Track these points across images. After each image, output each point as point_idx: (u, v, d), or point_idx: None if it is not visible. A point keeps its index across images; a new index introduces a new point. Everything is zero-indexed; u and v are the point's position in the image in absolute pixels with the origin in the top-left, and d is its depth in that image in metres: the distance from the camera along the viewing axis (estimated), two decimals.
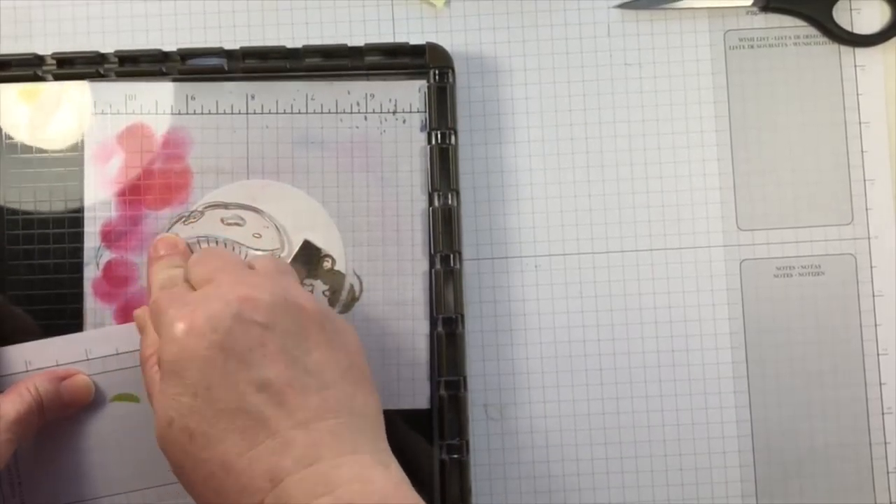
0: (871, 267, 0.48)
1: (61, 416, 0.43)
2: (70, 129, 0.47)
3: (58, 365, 0.44)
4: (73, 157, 0.47)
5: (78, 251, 0.46)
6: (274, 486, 0.33)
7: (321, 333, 0.37)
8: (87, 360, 0.44)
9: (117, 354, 0.45)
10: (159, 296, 0.39)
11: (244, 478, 0.34)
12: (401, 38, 0.49)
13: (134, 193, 0.47)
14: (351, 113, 0.47)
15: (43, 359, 0.44)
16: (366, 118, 0.47)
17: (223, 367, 0.35)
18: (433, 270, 0.46)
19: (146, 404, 0.44)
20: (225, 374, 0.35)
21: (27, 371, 0.44)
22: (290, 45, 0.47)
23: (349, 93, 0.47)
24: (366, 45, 0.47)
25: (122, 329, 0.45)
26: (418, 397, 0.46)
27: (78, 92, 0.47)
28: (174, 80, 0.47)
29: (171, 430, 0.35)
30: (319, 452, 0.34)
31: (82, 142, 0.47)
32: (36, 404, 0.42)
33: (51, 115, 0.47)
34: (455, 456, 0.45)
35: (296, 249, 0.47)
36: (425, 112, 0.47)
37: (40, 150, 0.47)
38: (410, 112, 0.47)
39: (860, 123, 0.48)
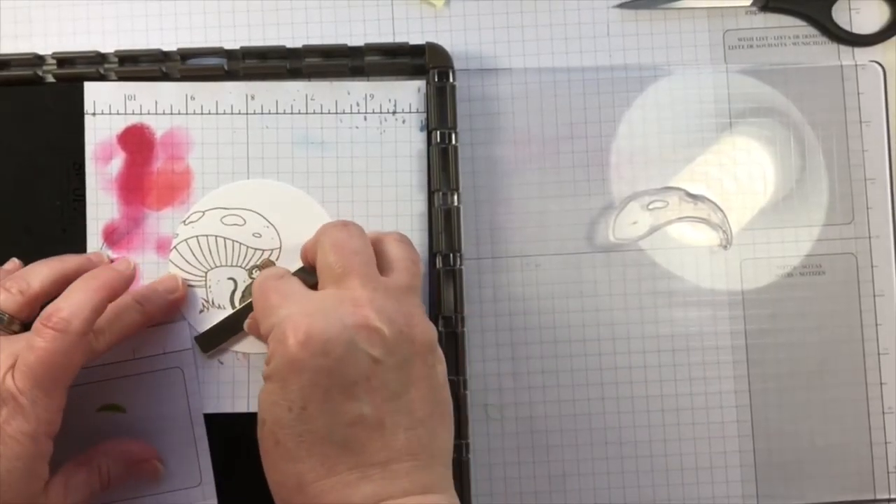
0: (872, 266, 0.48)
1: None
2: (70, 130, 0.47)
3: None
4: (74, 158, 0.47)
5: (81, 252, 0.46)
6: None
7: (423, 368, 0.37)
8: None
9: (103, 365, 0.45)
10: (266, 285, 0.39)
11: (312, 502, 0.35)
12: (401, 38, 0.49)
13: (135, 194, 0.47)
14: (351, 113, 0.47)
15: None
16: (365, 118, 0.47)
17: (324, 392, 0.35)
18: (433, 270, 0.46)
19: (132, 414, 0.45)
20: (324, 400, 0.35)
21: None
22: (290, 45, 0.47)
23: (349, 93, 0.47)
24: (366, 45, 0.47)
25: None
26: None
27: (78, 92, 0.47)
28: (174, 80, 0.47)
29: (262, 430, 0.36)
30: (389, 492, 0.34)
31: (83, 142, 0.47)
32: (101, 487, 0.42)
33: (51, 116, 0.47)
34: (455, 456, 0.44)
35: (293, 249, 0.47)
36: (425, 112, 0.47)
37: (42, 151, 0.47)
38: (410, 112, 0.47)
39: (860, 123, 0.48)
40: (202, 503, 0.45)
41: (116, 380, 0.45)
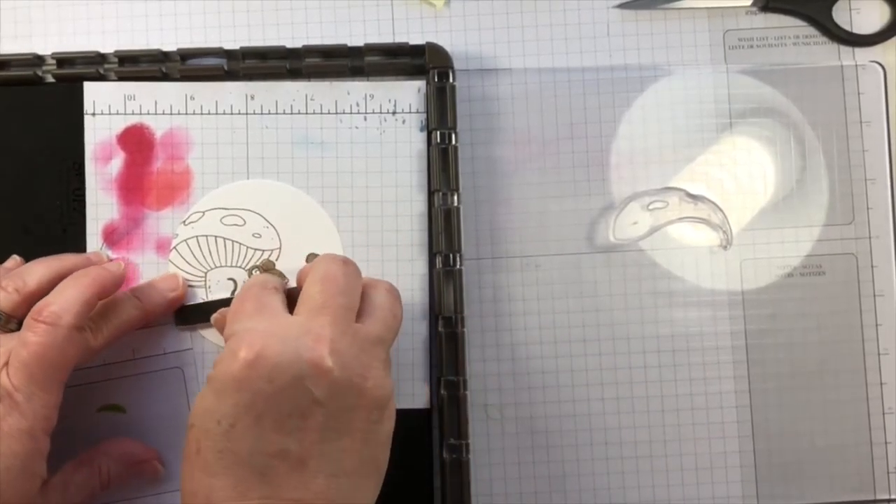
0: (872, 266, 0.48)
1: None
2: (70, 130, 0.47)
3: None
4: (74, 158, 0.47)
5: (81, 252, 0.46)
6: None
7: (364, 422, 0.36)
8: (74, 370, 0.43)
9: (103, 366, 0.45)
10: (249, 292, 0.39)
11: None
12: (401, 38, 0.49)
13: (135, 194, 0.47)
14: (351, 113, 0.47)
15: None
16: (365, 118, 0.47)
17: (257, 417, 0.35)
18: (433, 270, 0.46)
19: (132, 414, 0.45)
20: (253, 424, 0.35)
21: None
22: (290, 45, 0.47)
23: (349, 93, 0.47)
24: (366, 45, 0.47)
25: None
26: (418, 397, 0.46)
27: (78, 92, 0.47)
28: (174, 80, 0.47)
29: (189, 433, 0.36)
30: None
31: (83, 142, 0.47)
32: (101, 487, 0.42)
33: (51, 116, 0.47)
34: (455, 456, 0.45)
35: (293, 249, 0.47)
36: (425, 112, 0.47)
37: (42, 151, 0.47)
38: (410, 112, 0.47)
39: (861, 123, 0.48)
40: None
41: (116, 380, 0.45)
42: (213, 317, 0.42)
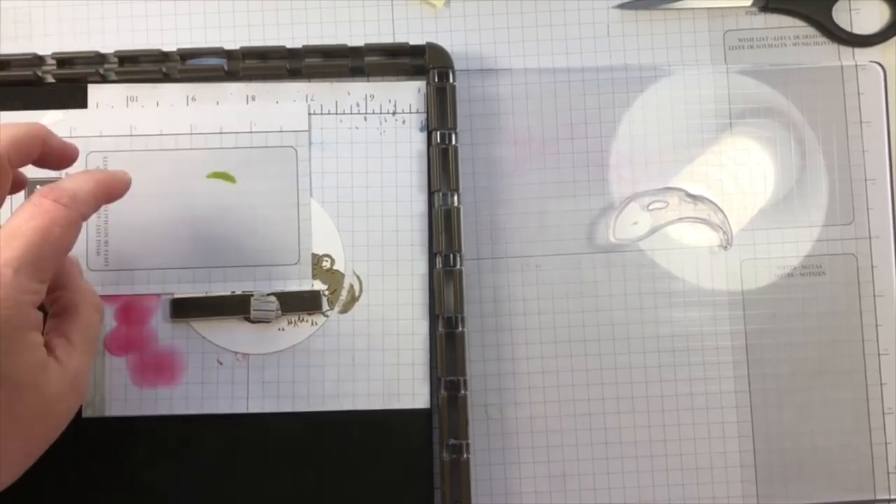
0: (872, 267, 0.48)
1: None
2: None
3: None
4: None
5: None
6: None
7: None
8: (191, 134, 0.45)
9: (220, 133, 0.45)
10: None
11: None
12: (401, 39, 0.49)
13: None
14: (351, 113, 0.47)
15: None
16: (365, 119, 0.47)
17: None
18: (433, 270, 0.46)
19: (241, 186, 0.46)
20: None
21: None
22: (290, 45, 0.47)
23: (349, 93, 0.47)
24: (366, 45, 0.47)
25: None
26: (418, 397, 0.46)
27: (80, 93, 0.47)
28: (174, 80, 0.47)
29: None
30: None
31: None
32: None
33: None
34: (455, 456, 0.45)
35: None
36: (425, 112, 0.47)
37: None
38: (410, 112, 0.47)
39: (861, 123, 0.48)
40: (297, 281, 0.46)
41: (230, 149, 0.46)
42: None
